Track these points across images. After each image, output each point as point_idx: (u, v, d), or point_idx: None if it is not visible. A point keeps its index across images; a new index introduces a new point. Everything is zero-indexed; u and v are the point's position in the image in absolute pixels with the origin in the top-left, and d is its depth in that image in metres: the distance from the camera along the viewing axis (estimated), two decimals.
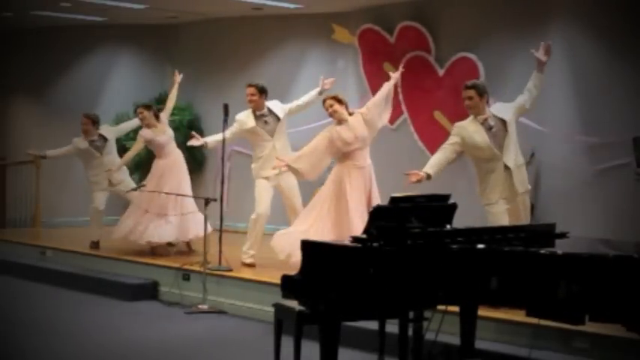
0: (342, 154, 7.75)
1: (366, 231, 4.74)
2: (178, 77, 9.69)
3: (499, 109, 6.99)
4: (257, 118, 8.56)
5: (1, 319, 7.64)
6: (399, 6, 9.97)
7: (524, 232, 5.17)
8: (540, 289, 4.26)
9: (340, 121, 7.78)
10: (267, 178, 8.50)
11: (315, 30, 11.10)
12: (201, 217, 8.77)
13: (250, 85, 8.62)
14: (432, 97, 9.65)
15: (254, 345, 6.75)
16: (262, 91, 8.56)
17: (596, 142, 7.75)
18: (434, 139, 9.48)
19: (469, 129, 6.87)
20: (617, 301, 4.07)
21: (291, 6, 10.64)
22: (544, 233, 5.17)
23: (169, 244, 9.47)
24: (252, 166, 8.68)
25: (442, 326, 5.29)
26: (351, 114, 7.85)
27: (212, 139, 8.72)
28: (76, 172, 12.65)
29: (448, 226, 5.08)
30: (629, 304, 4.04)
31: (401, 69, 8.24)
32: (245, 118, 8.60)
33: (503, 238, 4.93)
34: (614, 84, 8.26)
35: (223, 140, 8.67)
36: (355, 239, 4.73)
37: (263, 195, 8.50)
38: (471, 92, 6.91)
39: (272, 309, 5.51)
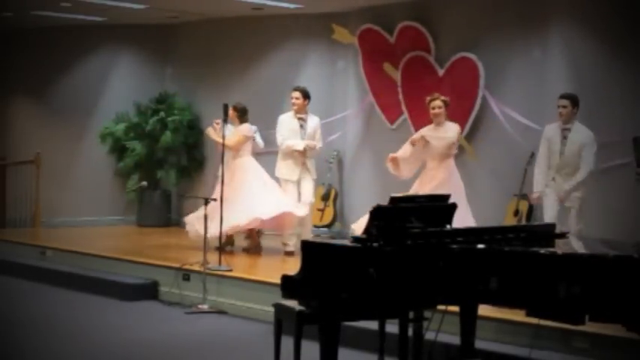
0: None
1: (366, 231, 4.74)
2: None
3: (580, 129, 7.51)
4: (297, 120, 9.13)
5: (0, 318, 7.64)
6: (399, 6, 9.97)
7: (525, 232, 5.17)
8: (540, 289, 4.26)
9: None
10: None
11: (315, 30, 11.09)
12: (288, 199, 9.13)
13: (296, 90, 9.18)
14: None
15: (254, 345, 6.74)
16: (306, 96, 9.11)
17: (596, 142, 7.74)
18: None
19: (549, 133, 7.59)
20: (617, 301, 4.07)
21: (291, 6, 10.63)
22: (544, 233, 5.18)
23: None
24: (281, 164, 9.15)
25: (442, 326, 5.29)
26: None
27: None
28: (76, 171, 12.67)
29: (448, 226, 5.07)
30: (629, 304, 4.04)
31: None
32: (287, 118, 9.20)
33: (503, 238, 4.92)
34: (613, 84, 8.26)
35: (223, 140, 8.68)
36: (355, 239, 4.73)
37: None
38: (566, 102, 7.47)
39: (272, 309, 5.50)
